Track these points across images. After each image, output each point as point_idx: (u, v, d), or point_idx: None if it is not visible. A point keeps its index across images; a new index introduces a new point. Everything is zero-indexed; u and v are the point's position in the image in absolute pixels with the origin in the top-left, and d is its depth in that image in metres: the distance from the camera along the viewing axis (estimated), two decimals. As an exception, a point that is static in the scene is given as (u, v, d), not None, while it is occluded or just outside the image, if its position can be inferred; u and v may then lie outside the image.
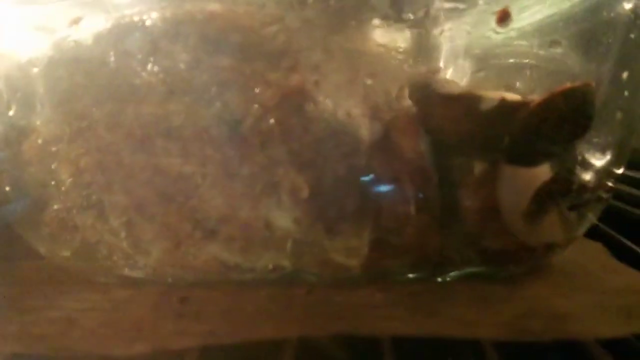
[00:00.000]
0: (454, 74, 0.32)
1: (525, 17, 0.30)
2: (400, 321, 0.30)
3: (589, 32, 0.31)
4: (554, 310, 0.30)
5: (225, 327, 0.30)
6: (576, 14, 0.31)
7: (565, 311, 0.30)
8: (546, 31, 0.31)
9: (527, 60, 0.31)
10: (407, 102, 0.31)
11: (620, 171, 0.34)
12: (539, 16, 0.31)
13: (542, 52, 0.31)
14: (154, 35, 0.29)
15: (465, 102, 0.30)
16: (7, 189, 0.33)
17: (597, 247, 0.40)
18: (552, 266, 0.37)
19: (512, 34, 0.30)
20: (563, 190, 0.32)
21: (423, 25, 0.30)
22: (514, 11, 0.29)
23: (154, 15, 0.29)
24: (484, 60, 0.32)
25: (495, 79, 0.32)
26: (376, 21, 0.29)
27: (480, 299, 0.32)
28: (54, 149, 0.31)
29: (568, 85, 0.29)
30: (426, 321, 0.29)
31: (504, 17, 0.28)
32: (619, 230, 0.42)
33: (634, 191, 0.48)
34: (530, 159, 0.31)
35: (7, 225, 0.35)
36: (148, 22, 0.29)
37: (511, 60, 0.32)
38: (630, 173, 0.48)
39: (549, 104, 0.29)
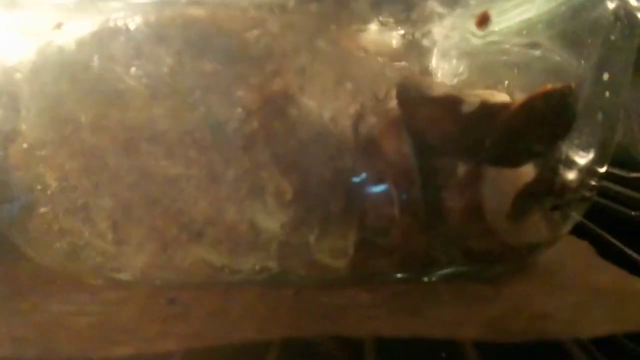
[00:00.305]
0: (441, 74, 0.32)
1: (506, 20, 0.30)
2: (384, 321, 0.30)
3: (570, 33, 0.31)
4: (536, 309, 0.30)
5: (212, 328, 0.31)
6: (557, 16, 0.31)
7: (547, 310, 0.30)
8: (527, 33, 0.31)
9: (515, 60, 0.31)
10: (393, 104, 0.31)
11: (603, 170, 0.34)
12: (518, 19, 0.31)
13: (526, 52, 0.31)
14: (137, 40, 0.29)
15: (447, 104, 0.30)
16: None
17: (582, 245, 0.40)
18: (536, 265, 0.37)
19: (495, 36, 0.30)
20: (545, 190, 0.32)
21: (406, 28, 0.30)
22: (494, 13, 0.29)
23: (138, 19, 0.29)
24: (470, 60, 0.32)
25: (483, 79, 0.32)
26: (357, 25, 0.30)
27: (464, 299, 0.32)
28: (39, 153, 0.31)
29: (548, 87, 0.30)
30: (409, 321, 0.30)
31: (483, 21, 0.28)
32: (605, 228, 0.42)
33: (620, 189, 0.48)
34: (512, 160, 0.32)
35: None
36: (132, 27, 0.29)
37: (498, 59, 0.32)
38: (616, 171, 0.49)
39: (530, 106, 0.29)
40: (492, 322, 0.29)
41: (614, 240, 0.40)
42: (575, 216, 0.36)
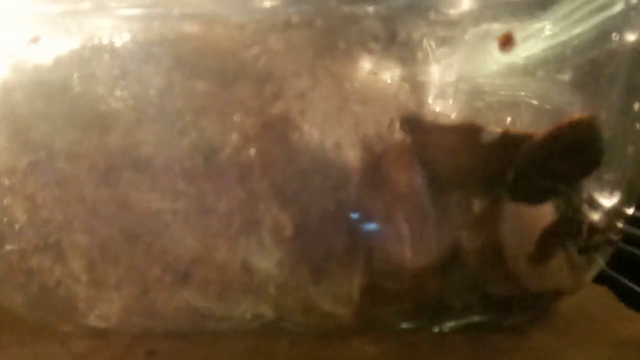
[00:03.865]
0: (443, 107, 0.29)
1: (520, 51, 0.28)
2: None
3: (590, 64, 0.29)
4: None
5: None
6: (576, 46, 0.29)
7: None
8: (543, 64, 0.29)
9: (521, 95, 0.29)
10: (401, 133, 0.29)
11: (630, 211, 0.31)
12: (535, 50, 0.29)
13: (537, 87, 0.29)
14: (123, 58, 0.27)
15: (465, 132, 0.27)
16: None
17: (602, 292, 0.37)
18: (557, 313, 0.34)
19: (504, 68, 0.28)
20: (572, 231, 0.29)
21: (413, 56, 0.28)
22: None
23: (124, 35, 0.27)
24: (475, 95, 0.29)
25: (487, 114, 0.30)
26: (366, 47, 0.27)
27: (484, 351, 0.29)
28: (7, 182, 0.28)
29: (575, 116, 0.27)
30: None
31: (506, 42, 0.26)
32: (624, 274, 0.39)
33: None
34: (535, 196, 0.29)
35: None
36: (117, 43, 0.27)
37: (503, 95, 0.29)
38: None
39: (555, 136, 0.27)
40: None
41: (638, 288, 0.37)
42: (601, 261, 0.33)
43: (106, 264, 0.28)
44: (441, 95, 0.28)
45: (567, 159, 0.28)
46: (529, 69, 0.28)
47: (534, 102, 0.29)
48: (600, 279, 0.37)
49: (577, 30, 0.28)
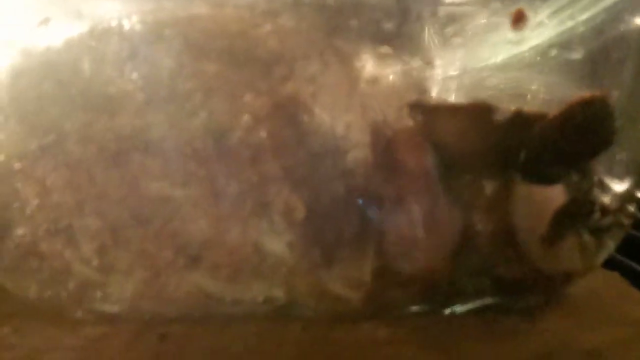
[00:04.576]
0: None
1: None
2: (414, 357, 0.26)
3: (601, 45, 0.29)
4: (584, 345, 0.27)
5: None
6: (586, 28, 0.28)
7: (596, 346, 0.27)
8: (556, 45, 0.28)
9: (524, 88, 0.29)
10: (410, 117, 0.28)
11: (641, 195, 0.31)
12: (542, 38, 0.28)
13: (541, 79, 0.28)
14: (132, 39, 0.26)
15: (477, 113, 0.27)
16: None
17: (613, 277, 0.37)
18: (568, 297, 0.33)
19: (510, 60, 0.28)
20: (585, 211, 0.29)
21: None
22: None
23: (134, 17, 0.26)
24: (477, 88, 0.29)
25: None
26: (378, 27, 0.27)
27: (496, 334, 0.29)
28: (18, 166, 0.28)
29: (587, 94, 0.27)
30: (442, 358, 0.26)
31: (519, 19, 0.25)
32: (635, 260, 0.39)
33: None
34: (547, 177, 0.28)
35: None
36: (127, 25, 0.26)
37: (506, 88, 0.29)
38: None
39: (569, 114, 0.26)
40: (539, 358, 0.25)
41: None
42: (611, 244, 0.33)
43: (117, 248, 0.28)
44: (444, 88, 0.28)
45: (580, 137, 0.27)
46: (534, 59, 0.27)
47: (539, 94, 0.29)
48: (612, 264, 0.37)
49: (587, 14, 0.27)
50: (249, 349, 0.28)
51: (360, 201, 0.28)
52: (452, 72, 0.28)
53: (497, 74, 0.27)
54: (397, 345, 0.28)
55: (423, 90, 0.29)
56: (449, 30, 0.27)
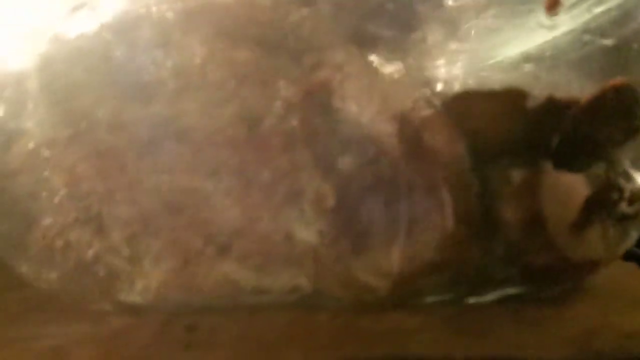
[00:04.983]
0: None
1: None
2: (446, 344, 0.26)
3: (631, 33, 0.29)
4: (620, 328, 0.27)
5: (241, 358, 0.27)
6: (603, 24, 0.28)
7: (635, 329, 0.27)
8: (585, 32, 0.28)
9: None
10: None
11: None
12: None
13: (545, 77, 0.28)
14: (164, 27, 0.26)
15: (508, 99, 0.27)
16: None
17: (631, 267, 0.37)
18: (594, 287, 0.34)
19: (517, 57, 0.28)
20: (615, 198, 0.29)
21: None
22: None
23: (165, 4, 0.26)
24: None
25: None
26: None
27: (526, 321, 0.29)
28: (47, 154, 0.28)
29: (618, 79, 0.27)
30: (475, 343, 0.26)
31: (553, 4, 0.25)
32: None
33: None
34: (578, 164, 0.28)
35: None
36: (158, 13, 0.26)
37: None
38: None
39: (601, 100, 0.26)
40: (575, 341, 0.25)
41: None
42: (634, 234, 0.33)
43: (147, 237, 0.28)
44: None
45: (610, 124, 0.27)
46: (544, 56, 0.27)
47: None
48: (631, 257, 0.37)
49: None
50: (280, 338, 0.28)
51: (389, 189, 0.28)
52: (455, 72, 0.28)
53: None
54: (430, 333, 0.28)
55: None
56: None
